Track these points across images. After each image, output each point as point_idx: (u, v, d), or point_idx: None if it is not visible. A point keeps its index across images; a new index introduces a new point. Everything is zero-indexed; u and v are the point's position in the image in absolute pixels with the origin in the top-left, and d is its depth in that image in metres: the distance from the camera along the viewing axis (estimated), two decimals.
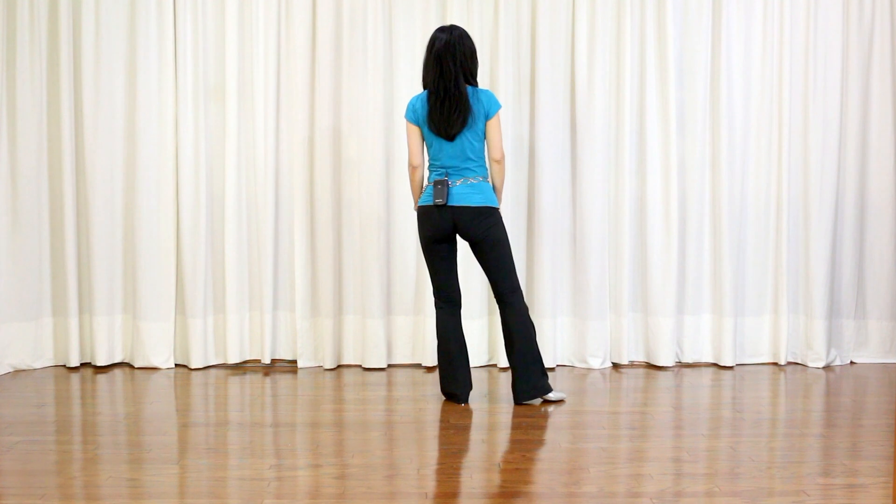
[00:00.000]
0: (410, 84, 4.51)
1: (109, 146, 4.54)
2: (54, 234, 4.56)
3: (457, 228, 3.73)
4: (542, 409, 3.75)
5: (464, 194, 3.69)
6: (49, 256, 4.56)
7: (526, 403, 3.80)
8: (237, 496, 2.74)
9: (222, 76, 4.55)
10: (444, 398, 3.93)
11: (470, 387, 3.88)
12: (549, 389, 3.83)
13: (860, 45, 4.62)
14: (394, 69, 4.57)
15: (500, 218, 3.78)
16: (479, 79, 4.51)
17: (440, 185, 3.68)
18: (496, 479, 2.90)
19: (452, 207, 3.69)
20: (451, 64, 3.66)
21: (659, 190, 4.58)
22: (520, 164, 4.58)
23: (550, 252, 4.56)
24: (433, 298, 3.93)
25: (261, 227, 4.58)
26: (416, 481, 2.87)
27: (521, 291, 3.82)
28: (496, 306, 4.53)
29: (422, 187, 3.85)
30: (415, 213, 4.06)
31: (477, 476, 2.93)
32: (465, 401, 3.85)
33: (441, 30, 3.74)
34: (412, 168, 3.81)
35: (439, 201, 3.67)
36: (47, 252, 4.55)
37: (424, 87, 3.76)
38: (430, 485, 2.84)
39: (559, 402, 3.85)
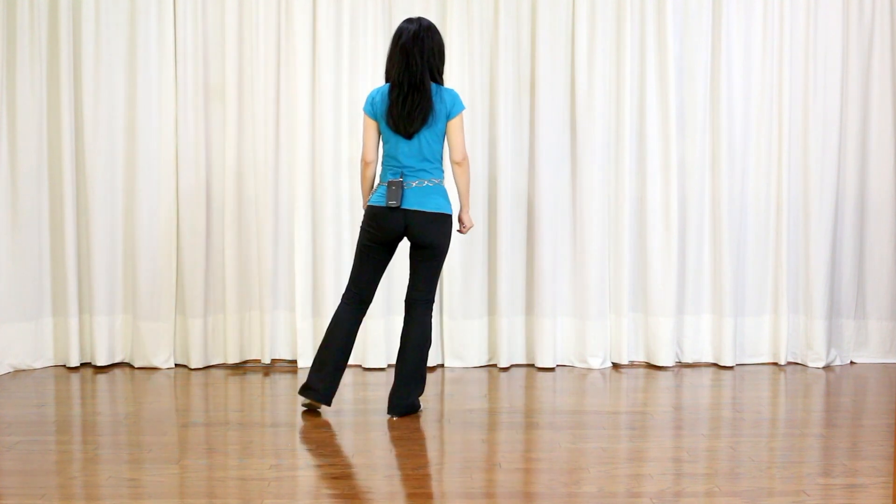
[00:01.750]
0: None
1: (109, 146, 4.53)
2: (54, 234, 4.56)
3: (407, 231, 3.55)
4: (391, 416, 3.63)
5: (418, 198, 3.51)
6: (49, 256, 4.55)
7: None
8: (237, 496, 2.74)
9: (222, 76, 4.54)
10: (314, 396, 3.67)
11: (334, 390, 3.64)
12: (418, 407, 3.70)
13: (860, 45, 4.62)
14: None
15: (451, 226, 3.61)
16: (480, 79, 4.54)
17: (394, 187, 3.49)
18: (496, 479, 2.90)
19: (405, 210, 3.51)
20: (417, 58, 3.47)
21: (659, 190, 4.58)
22: (520, 164, 4.58)
23: (550, 252, 4.56)
24: (344, 290, 3.70)
25: (261, 227, 4.57)
26: (416, 481, 2.88)
27: (432, 303, 3.66)
28: (495, 306, 4.55)
29: (373, 185, 3.68)
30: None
31: (477, 476, 2.93)
32: (327, 402, 3.62)
33: (409, 21, 3.56)
34: (365, 164, 3.63)
35: (392, 203, 3.47)
36: (47, 252, 4.55)
37: (387, 81, 3.57)
38: (431, 485, 2.84)
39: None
